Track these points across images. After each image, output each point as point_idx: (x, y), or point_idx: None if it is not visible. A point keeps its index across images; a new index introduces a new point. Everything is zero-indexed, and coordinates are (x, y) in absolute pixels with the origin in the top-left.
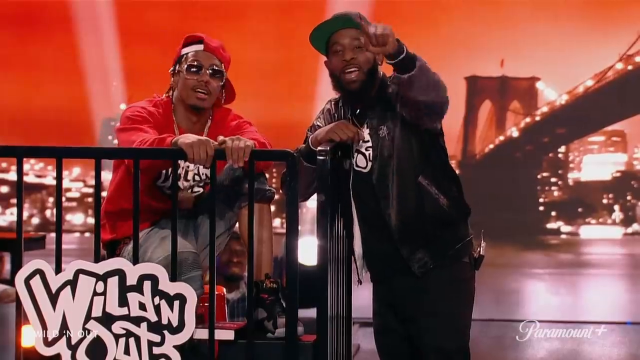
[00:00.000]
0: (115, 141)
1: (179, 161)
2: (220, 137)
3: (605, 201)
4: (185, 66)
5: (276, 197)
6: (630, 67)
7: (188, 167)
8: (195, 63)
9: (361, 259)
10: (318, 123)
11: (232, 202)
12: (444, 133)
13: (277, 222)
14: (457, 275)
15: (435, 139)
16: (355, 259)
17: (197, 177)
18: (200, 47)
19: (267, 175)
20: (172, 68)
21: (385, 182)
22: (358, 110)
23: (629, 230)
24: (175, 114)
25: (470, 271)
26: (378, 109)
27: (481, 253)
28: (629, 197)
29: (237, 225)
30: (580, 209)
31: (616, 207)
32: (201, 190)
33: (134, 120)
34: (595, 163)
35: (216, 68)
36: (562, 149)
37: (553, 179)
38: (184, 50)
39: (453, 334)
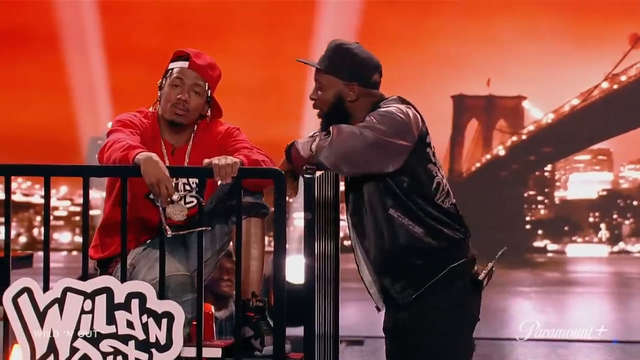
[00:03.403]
0: None
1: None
2: (206, 160)
3: (591, 219)
4: (169, 82)
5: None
6: (615, 86)
7: (176, 177)
8: (178, 82)
9: (371, 286)
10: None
11: (227, 218)
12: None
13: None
14: (445, 301)
15: (397, 175)
16: (367, 287)
17: (187, 187)
18: (186, 64)
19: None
20: (159, 81)
21: (359, 216)
22: None
23: (615, 248)
24: (160, 127)
25: (465, 295)
26: None
27: (480, 278)
28: (615, 216)
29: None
30: (566, 228)
31: (602, 226)
32: (194, 201)
33: (123, 123)
34: (581, 182)
35: (197, 88)
36: (549, 167)
37: (539, 198)
38: (171, 65)
39: None
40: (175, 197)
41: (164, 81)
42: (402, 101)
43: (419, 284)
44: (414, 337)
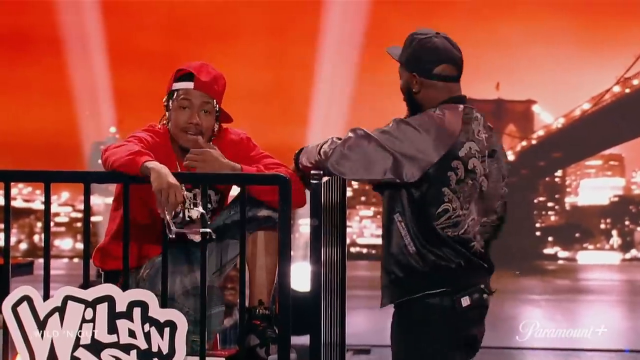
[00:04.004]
0: None
1: (185, 193)
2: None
3: (603, 226)
4: (176, 104)
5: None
6: (627, 90)
7: (195, 195)
8: (186, 103)
9: None
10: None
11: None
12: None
13: None
14: (416, 319)
15: (411, 185)
16: None
17: (209, 206)
18: (191, 85)
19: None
20: (165, 99)
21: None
22: None
23: (627, 255)
24: (173, 145)
25: (438, 320)
26: None
27: (461, 305)
28: (627, 222)
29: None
30: (577, 234)
31: (614, 232)
32: (208, 213)
33: (138, 139)
34: (592, 187)
35: (207, 107)
36: (559, 173)
37: (550, 204)
38: (175, 86)
39: None
40: (194, 215)
41: (170, 102)
42: (457, 114)
43: (394, 296)
44: (392, 338)
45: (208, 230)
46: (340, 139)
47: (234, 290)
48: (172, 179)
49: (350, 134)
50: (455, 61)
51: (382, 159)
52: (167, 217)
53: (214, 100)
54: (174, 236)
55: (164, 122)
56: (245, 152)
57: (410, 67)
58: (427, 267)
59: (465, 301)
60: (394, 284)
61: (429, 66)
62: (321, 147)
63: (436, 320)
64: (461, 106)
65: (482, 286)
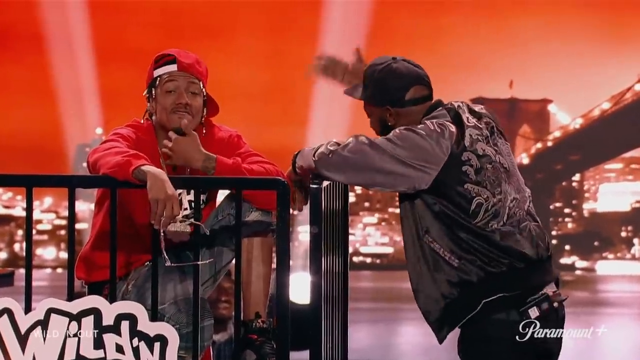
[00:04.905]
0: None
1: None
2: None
3: (623, 234)
4: (161, 90)
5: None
6: None
7: (180, 193)
8: (172, 86)
9: None
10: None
11: (231, 235)
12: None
13: None
14: (483, 335)
15: (428, 195)
16: None
17: (193, 204)
18: (174, 67)
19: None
20: (146, 91)
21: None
22: None
23: None
24: (159, 141)
25: (507, 330)
26: None
27: (531, 316)
28: None
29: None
30: (596, 243)
31: (636, 241)
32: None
33: (121, 136)
34: (612, 192)
35: (193, 87)
36: (577, 177)
37: (567, 210)
38: (157, 72)
39: None
40: (189, 229)
41: (154, 91)
42: (441, 115)
43: (457, 319)
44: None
45: (204, 261)
46: (339, 143)
47: (228, 304)
48: (171, 189)
49: (351, 139)
50: (423, 80)
51: (387, 166)
52: (161, 230)
53: (200, 82)
54: (169, 264)
55: (147, 116)
56: (233, 150)
57: (380, 101)
58: (475, 275)
59: (534, 312)
60: (451, 306)
61: (399, 94)
62: (317, 149)
63: (506, 337)
64: (439, 108)
65: (550, 293)
